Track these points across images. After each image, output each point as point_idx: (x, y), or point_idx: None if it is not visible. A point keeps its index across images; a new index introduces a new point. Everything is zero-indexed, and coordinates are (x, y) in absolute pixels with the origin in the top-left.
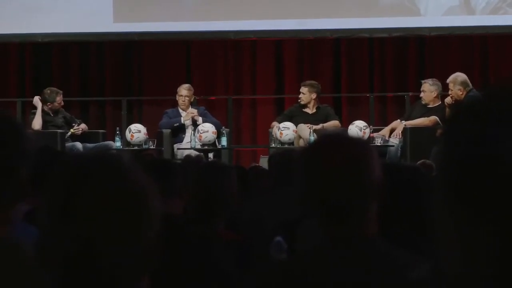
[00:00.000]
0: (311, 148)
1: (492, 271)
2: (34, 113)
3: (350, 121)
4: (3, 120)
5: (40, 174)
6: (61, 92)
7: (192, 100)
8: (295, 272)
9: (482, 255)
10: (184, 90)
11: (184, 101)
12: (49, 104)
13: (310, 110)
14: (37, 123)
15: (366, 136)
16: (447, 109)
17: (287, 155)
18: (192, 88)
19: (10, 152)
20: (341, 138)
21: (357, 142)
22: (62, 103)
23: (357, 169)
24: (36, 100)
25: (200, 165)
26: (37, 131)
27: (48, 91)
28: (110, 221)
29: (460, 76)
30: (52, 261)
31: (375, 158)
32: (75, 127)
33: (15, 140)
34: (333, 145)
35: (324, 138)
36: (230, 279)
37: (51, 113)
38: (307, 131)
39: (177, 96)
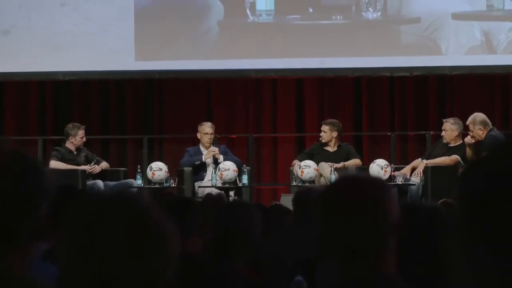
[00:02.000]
0: (329, 188)
1: None
2: (56, 151)
3: (371, 160)
4: (22, 158)
5: (60, 213)
6: (83, 126)
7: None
8: None
9: None
10: (209, 128)
11: (210, 138)
12: (72, 138)
13: (331, 148)
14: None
15: (387, 174)
16: (467, 149)
17: (310, 193)
18: (214, 126)
19: (29, 189)
20: (358, 179)
21: (374, 182)
22: (85, 139)
23: (374, 210)
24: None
25: (220, 203)
26: (57, 170)
27: (71, 125)
28: (128, 261)
29: (478, 116)
30: None
31: (393, 198)
32: (91, 165)
33: (34, 177)
34: (350, 185)
35: (341, 179)
36: None
37: (74, 151)
38: (328, 170)
39: (199, 135)
